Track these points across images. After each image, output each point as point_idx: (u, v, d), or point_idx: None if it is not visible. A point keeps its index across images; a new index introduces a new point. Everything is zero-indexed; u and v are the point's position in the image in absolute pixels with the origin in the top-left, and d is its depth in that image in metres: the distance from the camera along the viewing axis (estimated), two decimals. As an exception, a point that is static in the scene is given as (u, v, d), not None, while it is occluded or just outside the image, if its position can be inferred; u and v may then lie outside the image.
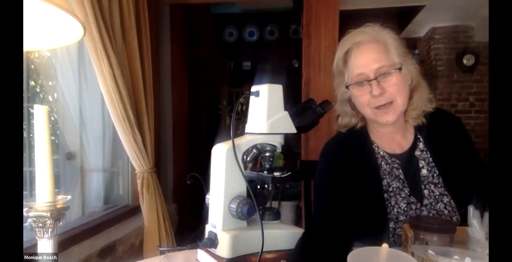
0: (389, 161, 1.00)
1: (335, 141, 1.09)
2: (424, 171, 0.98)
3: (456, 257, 0.68)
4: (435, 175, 0.98)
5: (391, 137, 1.03)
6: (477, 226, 0.75)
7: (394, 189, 0.97)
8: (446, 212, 0.95)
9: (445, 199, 0.95)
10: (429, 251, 0.69)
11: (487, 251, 0.70)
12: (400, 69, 0.93)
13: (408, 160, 0.99)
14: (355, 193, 0.96)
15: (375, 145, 1.03)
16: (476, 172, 0.98)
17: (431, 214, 0.95)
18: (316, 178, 1.03)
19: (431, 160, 0.99)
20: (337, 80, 1.05)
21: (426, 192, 0.96)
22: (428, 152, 1.00)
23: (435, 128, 1.01)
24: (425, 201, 0.96)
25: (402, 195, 0.96)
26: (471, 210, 0.78)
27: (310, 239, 0.83)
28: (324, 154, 1.06)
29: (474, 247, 0.75)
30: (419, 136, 1.02)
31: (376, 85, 0.92)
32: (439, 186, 0.96)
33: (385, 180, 0.98)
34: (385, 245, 0.67)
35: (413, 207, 0.95)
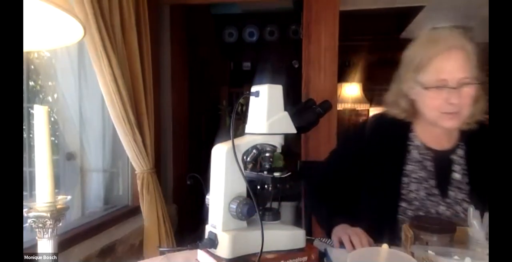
0: (423, 151, 1.06)
1: (378, 119, 1.14)
2: (456, 174, 1.03)
3: (456, 257, 0.68)
4: (465, 182, 1.02)
5: (438, 136, 1.07)
6: (477, 226, 0.75)
7: (419, 177, 1.03)
8: (462, 215, 0.99)
9: (465, 205, 1.00)
10: (429, 251, 0.69)
11: (487, 251, 0.70)
12: (479, 83, 0.94)
13: (442, 158, 1.05)
14: (372, 170, 1.06)
15: (414, 134, 1.08)
16: None
17: (449, 212, 1.01)
18: (344, 136, 1.20)
19: (465, 167, 1.03)
20: (408, 74, 1.01)
21: (451, 193, 1.02)
22: (465, 160, 1.04)
23: (482, 144, 1.02)
24: (447, 200, 1.02)
25: (425, 185, 1.03)
26: (471, 210, 0.78)
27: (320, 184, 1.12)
28: (362, 125, 1.16)
29: (474, 247, 0.75)
30: (461, 143, 1.06)
31: (456, 94, 0.93)
32: (464, 192, 1.02)
33: (409, 166, 1.05)
34: (385, 246, 0.67)
35: (433, 198, 1.02)
